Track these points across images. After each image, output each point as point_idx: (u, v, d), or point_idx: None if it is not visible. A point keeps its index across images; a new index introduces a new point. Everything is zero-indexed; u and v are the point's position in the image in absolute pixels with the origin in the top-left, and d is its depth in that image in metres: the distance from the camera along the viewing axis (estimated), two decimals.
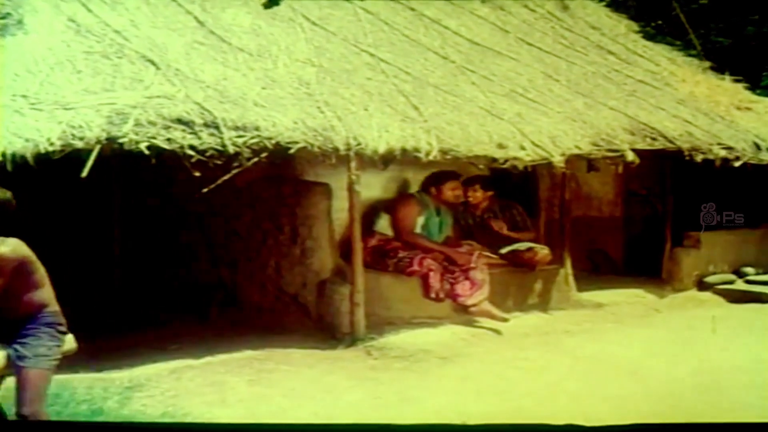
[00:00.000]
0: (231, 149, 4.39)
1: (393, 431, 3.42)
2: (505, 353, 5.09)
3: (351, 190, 5.02)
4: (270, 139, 4.56)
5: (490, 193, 6.36)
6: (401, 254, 5.51)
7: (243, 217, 5.71)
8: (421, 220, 5.70)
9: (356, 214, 5.12)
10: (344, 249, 5.39)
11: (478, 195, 6.27)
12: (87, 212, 6.12)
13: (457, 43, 6.96)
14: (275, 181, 5.60)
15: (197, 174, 4.32)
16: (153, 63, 4.88)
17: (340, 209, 5.40)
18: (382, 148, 4.87)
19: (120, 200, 6.16)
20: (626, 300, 6.64)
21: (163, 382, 4.34)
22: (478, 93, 6.09)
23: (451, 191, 5.80)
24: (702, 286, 7.01)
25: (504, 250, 6.31)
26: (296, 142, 4.63)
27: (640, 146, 6.18)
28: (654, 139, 6.35)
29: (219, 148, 4.38)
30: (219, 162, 4.38)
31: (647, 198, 7.68)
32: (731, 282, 7.07)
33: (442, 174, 5.74)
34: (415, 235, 5.64)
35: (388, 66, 5.97)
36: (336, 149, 4.76)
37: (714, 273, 7.10)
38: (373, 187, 5.71)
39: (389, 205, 5.77)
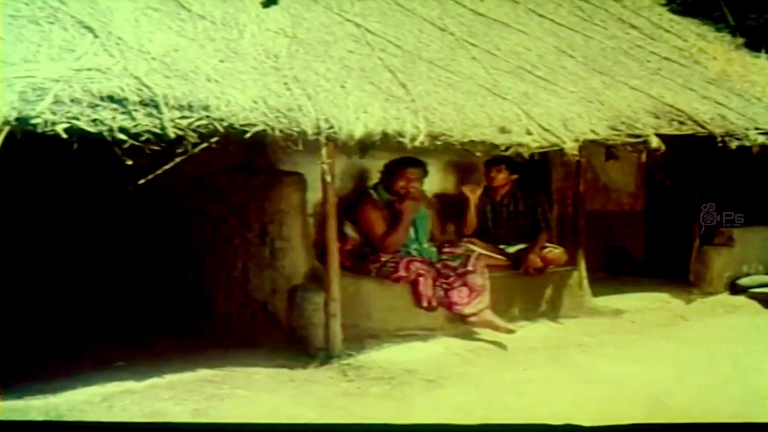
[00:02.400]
0: (171, 133, 3.64)
1: (393, 431, 3.33)
2: (506, 374, 4.32)
3: (324, 181, 4.27)
4: (221, 120, 3.80)
5: (514, 177, 5.60)
6: (384, 258, 4.75)
7: (208, 212, 4.97)
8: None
9: (331, 210, 4.36)
10: (321, 250, 4.64)
11: (501, 177, 5.54)
12: (31, 205, 5.39)
13: (459, 14, 6.16)
14: (243, 171, 4.86)
15: (129, 162, 3.57)
16: (91, 30, 4.12)
17: (318, 204, 4.68)
18: (358, 132, 4.10)
19: (68, 192, 5.41)
20: (648, 306, 5.86)
21: (91, 412, 3.62)
22: (479, 69, 5.30)
23: (404, 182, 4.93)
24: (734, 289, 6.24)
25: (511, 249, 5.55)
26: (253, 125, 3.87)
27: (666, 131, 5.38)
28: (682, 122, 5.54)
29: (157, 131, 3.62)
30: (156, 148, 3.62)
31: (673, 190, 6.90)
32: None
33: (399, 161, 4.94)
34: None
35: (375, 38, 5.19)
36: (303, 133, 4.00)
37: (748, 274, 6.32)
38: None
39: (348, 212, 4.99)
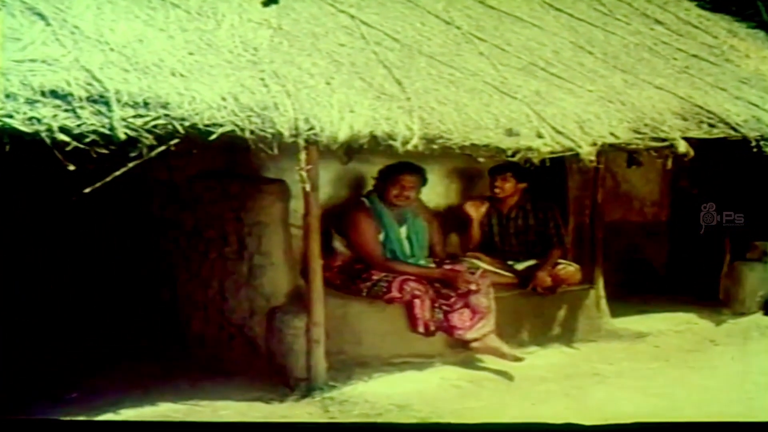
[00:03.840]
0: (122, 133, 3.15)
1: (394, 431, 3.30)
2: (510, 410, 3.81)
3: (305, 191, 3.77)
4: (182, 120, 3.32)
5: (522, 186, 5.07)
6: (376, 276, 4.23)
7: (183, 223, 4.48)
8: (381, 237, 4.41)
9: (313, 222, 3.86)
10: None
11: (507, 187, 5.01)
12: None
13: (467, 6, 5.60)
14: (220, 178, 4.37)
15: (71, 168, 3.08)
16: (42, 17, 3.65)
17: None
18: (342, 134, 3.60)
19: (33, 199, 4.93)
20: (673, 328, 5.30)
21: None
22: (486, 65, 4.76)
23: (398, 189, 4.42)
24: None
25: (520, 266, 5.01)
26: (219, 125, 3.38)
27: (694, 134, 4.80)
28: (712, 125, 4.95)
29: (105, 131, 3.14)
30: (105, 151, 3.14)
31: (700, 198, 6.32)
32: None
33: (394, 167, 4.41)
34: (387, 261, 4.36)
35: (370, 30, 4.66)
36: (278, 135, 3.50)
37: None
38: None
39: (337, 224, 4.49)
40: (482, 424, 3.45)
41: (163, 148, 3.30)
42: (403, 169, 4.38)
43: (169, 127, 3.30)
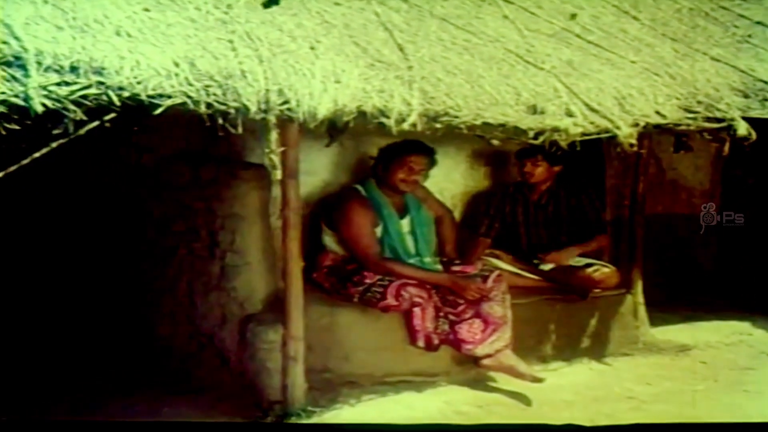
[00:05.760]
0: (39, 105, 2.52)
1: (394, 431, 3.19)
2: None
3: (283, 179, 3.12)
4: (120, 89, 2.67)
5: (557, 170, 4.38)
6: (369, 280, 3.56)
7: (151, 213, 3.87)
8: (378, 231, 3.74)
9: (292, 217, 3.20)
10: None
11: (539, 171, 4.33)
12: None
13: None
14: (191, 161, 3.74)
15: None
16: None
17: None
18: (323, 110, 2.92)
19: None
20: (724, 339, 4.60)
21: None
22: (510, 30, 4.04)
23: (404, 173, 3.76)
24: None
25: (546, 267, 4.32)
26: (168, 96, 2.73)
27: (757, 113, 4.05)
28: None
29: (18, 101, 2.51)
30: (16, 127, 2.51)
31: (756, 188, 5.56)
32: None
33: (399, 146, 3.73)
34: (385, 261, 3.68)
35: None
36: (243, 109, 2.84)
37: None
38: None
39: (327, 215, 3.83)
40: (482, 425, 3.28)
41: (94, 124, 2.66)
42: (411, 149, 3.70)
43: (103, 97, 2.66)
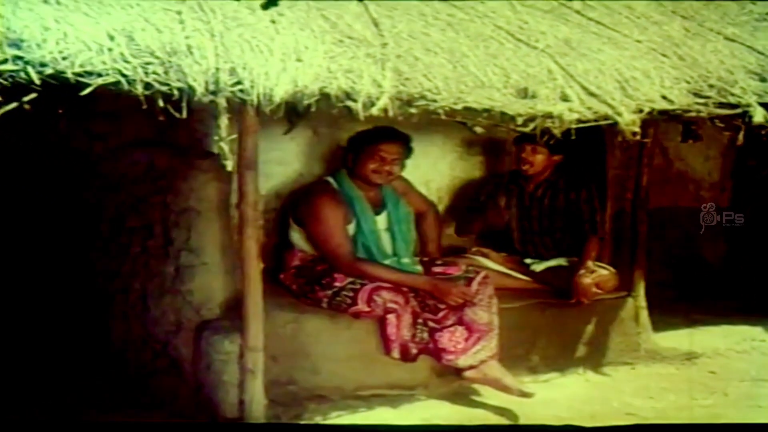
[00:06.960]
0: None
1: (394, 431, 3.07)
2: None
3: (239, 171, 2.78)
4: (42, 66, 2.32)
5: (556, 159, 4.02)
6: (339, 283, 3.21)
7: (105, 208, 3.51)
8: (351, 228, 3.38)
9: (249, 212, 2.84)
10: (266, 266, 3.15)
11: (538, 159, 3.97)
12: None
13: None
14: (147, 149, 3.39)
15: None
16: None
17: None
18: (280, 92, 2.56)
19: None
20: (734, 346, 4.28)
21: None
22: (500, 5, 3.64)
23: (376, 163, 3.41)
24: None
25: (539, 267, 3.96)
26: (98, 74, 2.37)
27: None
28: None
29: None
30: None
31: None
32: None
33: (369, 134, 3.39)
34: (357, 261, 3.32)
35: None
36: (189, 90, 2.48)
37: None
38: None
39: (294, 210, 3.48)
40: (481, 426, 3.16)
41: (12, 106, 2.31)
42: (382, 136, 3.34)
43: (22, 75, 2.31)
